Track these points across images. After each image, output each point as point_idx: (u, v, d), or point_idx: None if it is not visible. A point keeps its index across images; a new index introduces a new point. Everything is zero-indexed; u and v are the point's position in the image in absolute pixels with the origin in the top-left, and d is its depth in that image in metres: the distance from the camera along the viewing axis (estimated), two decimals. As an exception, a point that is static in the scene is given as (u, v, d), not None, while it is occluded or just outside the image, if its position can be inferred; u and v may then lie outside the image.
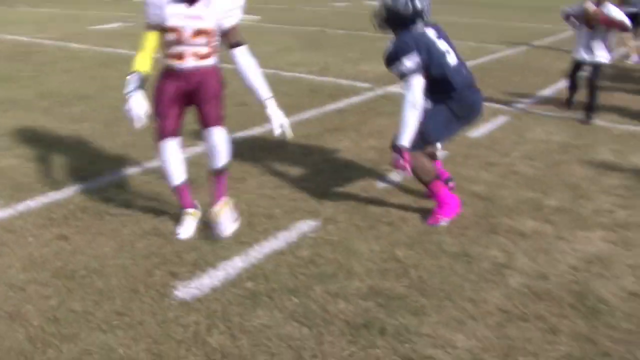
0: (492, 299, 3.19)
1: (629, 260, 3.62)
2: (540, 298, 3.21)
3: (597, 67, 6.73)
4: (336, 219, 4.12)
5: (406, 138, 3.84)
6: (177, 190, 3.89)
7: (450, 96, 3.96)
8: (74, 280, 3.32)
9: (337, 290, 3.24)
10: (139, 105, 3.47)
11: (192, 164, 4.42)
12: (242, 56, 3.63)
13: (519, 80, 8.95)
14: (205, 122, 3.71)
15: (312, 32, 14.84)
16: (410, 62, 3.81)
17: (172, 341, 2.81)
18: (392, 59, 3.90)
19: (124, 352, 2.73)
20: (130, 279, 3.34)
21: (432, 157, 4.33)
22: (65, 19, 17.40)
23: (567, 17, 6.88)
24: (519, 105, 7.44)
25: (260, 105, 3.70)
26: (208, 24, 3.53)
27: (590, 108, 6.69)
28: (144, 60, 3.54)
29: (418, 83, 3.84)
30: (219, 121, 3.72)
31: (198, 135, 4.10)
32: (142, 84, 3.51)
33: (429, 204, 4.22)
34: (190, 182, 3.96)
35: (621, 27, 6.59)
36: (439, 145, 4.47)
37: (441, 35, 4.02)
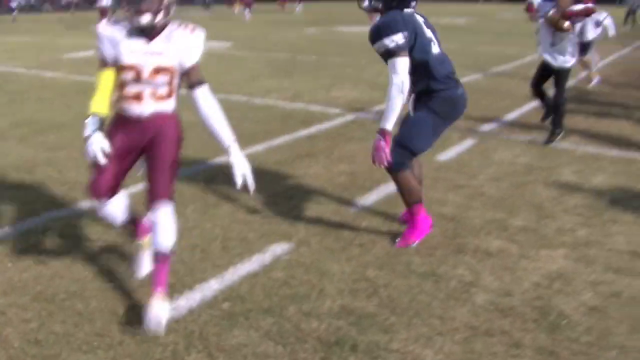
0: (459, 316, 3.30)
1: (589, 276, 3.76)
2: (505, 314, 3.33)
3: (561, 74, 6.81)
4: (309, 241, 4.22)
5: (390, 122, 3.80)
6: (124, 227, 3.61)
7: (432, 96, 3.93)
8: (54, 304, 3.38)
9: (310, 310, 3.34)
10: (100, 145, 3.14)
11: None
12: (204, 99, 3.22)
13: (487, 104, 9.15)
14: (153, 193, 3.23)
15: (283, 59, 15.00)
16: (397, 38, 3.74)
17: (151, 361, 2.89)
18: (379, 34, 3.80)
19: (103, 373, 2.80)
20: (110, 301, 3.42)
21: (420, 181, 4.32)
22: (39, 48, 17.38)
23: (529, 9, 7.01)
24: (486, 129, 7.61)
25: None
26: (169, 60, 3.17)
27: (554, 128, 6.84)
28: (101, 102, 3.22)
29: (404, 63, 3.76)
30: (167, 194, 3.23)
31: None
32: (101, 126, 3.19)
33: (399, 227, 4.35)
34: (136, 215, 3.65)
35: (587, 12, 6.75)
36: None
37: (428, 25, 4.01)
